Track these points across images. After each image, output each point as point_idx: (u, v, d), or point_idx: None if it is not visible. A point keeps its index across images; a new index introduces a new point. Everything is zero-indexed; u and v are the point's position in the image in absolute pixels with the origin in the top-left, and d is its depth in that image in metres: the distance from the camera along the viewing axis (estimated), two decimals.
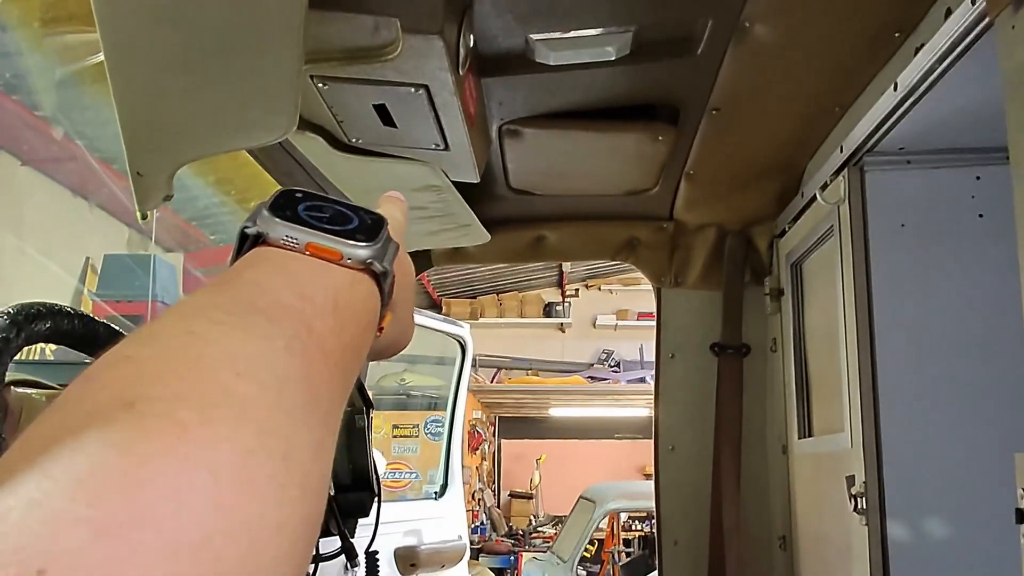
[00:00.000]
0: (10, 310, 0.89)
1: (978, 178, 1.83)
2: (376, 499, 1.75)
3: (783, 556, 2.37)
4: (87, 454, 0.31)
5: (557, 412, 11.88)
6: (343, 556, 1.64)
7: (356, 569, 2.70)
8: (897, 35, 1.62)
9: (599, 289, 12.49)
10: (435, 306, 11.88)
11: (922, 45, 1.51)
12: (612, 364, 12.06)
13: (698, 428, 2.47)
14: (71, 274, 6.49)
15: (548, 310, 12.36)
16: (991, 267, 1.78)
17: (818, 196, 1.95)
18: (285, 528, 0.35)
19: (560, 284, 12.38)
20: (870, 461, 1.73)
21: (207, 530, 0.31)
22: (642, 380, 11.36)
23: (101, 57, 1.21)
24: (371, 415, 1.82)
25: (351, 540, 1.65)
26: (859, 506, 1.74)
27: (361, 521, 1.77)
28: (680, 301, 2.54)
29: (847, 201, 1.85)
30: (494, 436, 12.71)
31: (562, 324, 12.36)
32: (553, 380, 11.55)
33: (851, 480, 1.78)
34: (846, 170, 1.87)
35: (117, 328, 1.06)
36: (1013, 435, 1.65)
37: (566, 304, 12.40)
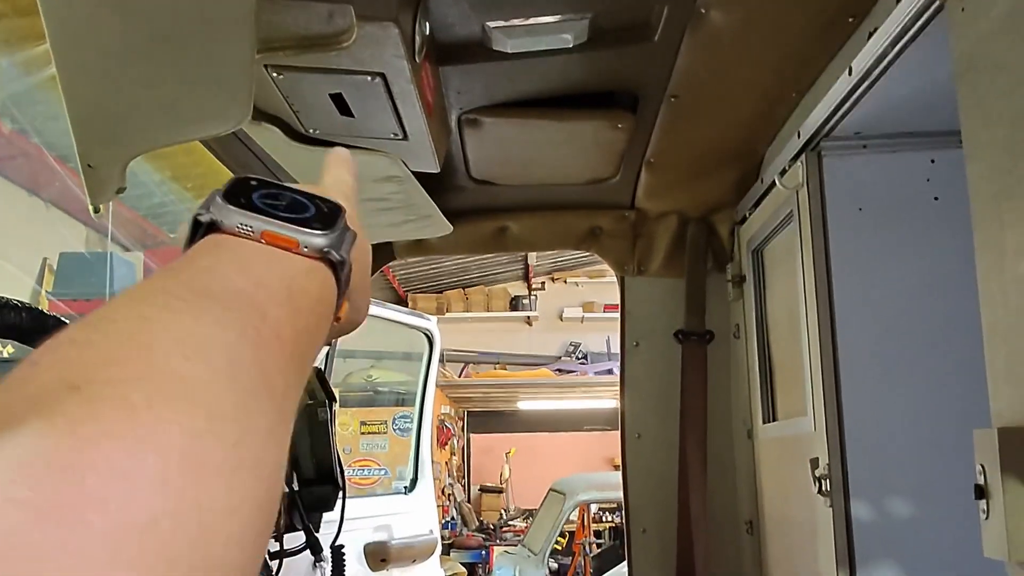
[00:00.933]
0: None
1: (932, 161, 1.85)
2: (341, 493, 1.74)
3: (750, 540, 2.39)
4: (30, 435, 0.30)
5: (526, 405, 11.90)
6: (308, 551, 1.63)
7: (324, 564, 2.69)
8: (851, 20, 1.63)
9: (565, 282, 12.52)
10: (401, 301, 11.83)
11: (875, 29, 1.52)
12: (579, 356, 12.09)
13: (664, 416, 2.48)
14: (28, 275, 6.37)
15: (515, 303, 12.36)
16: (947, 249, 1.80)
17: (777, 182, 1.96)
18: (237, 513, 0.34)
19: (526, 277, 12.39)
20: (833, 443, 1.75)
21: (154, 512, 0.30)
22: (609, 372, 11.41)
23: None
24: (334, 408, 1.81)
25: (316, 535, 1.64)
26: (823, 488, 1.75)
27: (327, 516, 1.76)
28: (643, 289, 2.55)
29: (805, 186, 1.87)
30: (463, 431, 12.70)
31: (529, 317, 12.37)
32: (521, 374, 11.56)
33: (815, 463, 1.79)
34: (804, 155, 1.88)
35: (66, 320, 1.04)
36: (972, 414, 1.66)
37: (532, 297, 12.41)
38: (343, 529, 1.90)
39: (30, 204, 6.83)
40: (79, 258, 4.65)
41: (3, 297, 0.94)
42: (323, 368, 3.13)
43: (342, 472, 1.73)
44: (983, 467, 1.06)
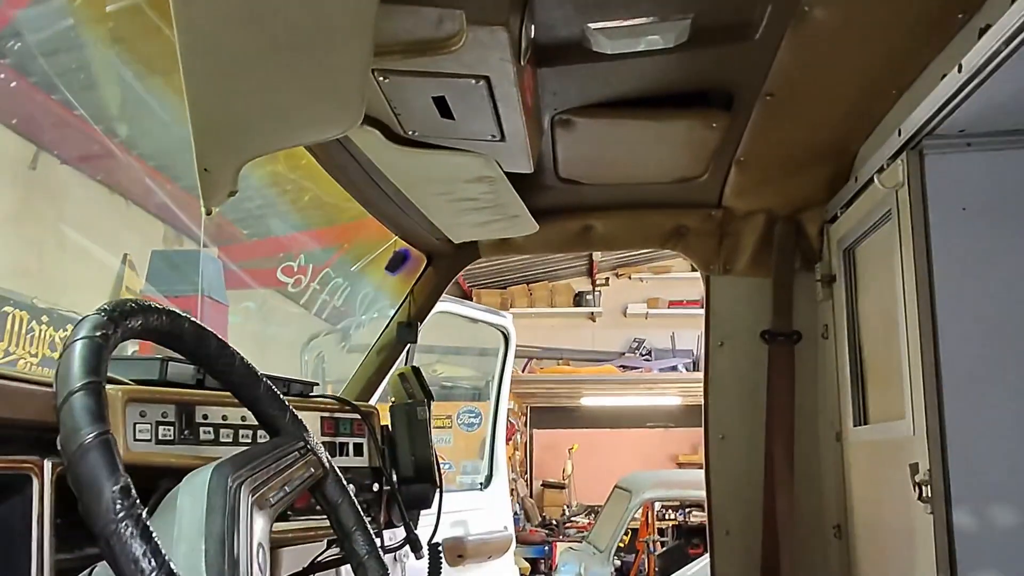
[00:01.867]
0: (107, 307, 0.91)
1: None
2: (439, 491, 1.77)
3: (838, 545, 2.35)
4: None
5: (589, 401, 11.88)
6: (407, 547, 1.66)
7: (406, 560, 2.73)
8: (960, 16, 1.60)
9: (629, 278, 12.43)
10: (466, 296, 11.90)
11: (987, 26, 1.48)
12: (643, 353, 12.02)
13: (748, 416, 2.46)
14: (110, 271, 6.57)
15: (578, 299, 12.32)
16: None
17: (875, 180, 1.93)
18: None
19: (590, 273, 12.35)
20: (934, 448, 1.71)
21: None
22: (674, 368, 11.32)
23: (157, 54, 1.22)
24: (431, 407, 1.84)
25: (415, 532, 1.67)
26: (923, 494, 1.72)
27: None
28: (729, 288, 2.53)
29: (906, 185, 1.83)
30: (526, 426, 12.73)
31: (592, 313, 12.32)
32: (585, 369, 11.54)
33: (915, 468, 1.76)
34: (904, 154, 1.85)
35: (202, 325, 1.07)
36: None
37: (596, 293, 12.36)
38: (421, 524, 1.92)
39: (110, 201, 7.03)
40: (169, 255, 4.79)
41: (147, 301, 0.97)
42: (404, 363, 3.17)
43: (440, 470, 1.76)
44: None
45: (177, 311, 1.03)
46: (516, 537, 10.74)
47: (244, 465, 1.04)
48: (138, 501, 0.76)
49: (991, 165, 1.80)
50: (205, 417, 1.40)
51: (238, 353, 1.12)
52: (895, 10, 1.61)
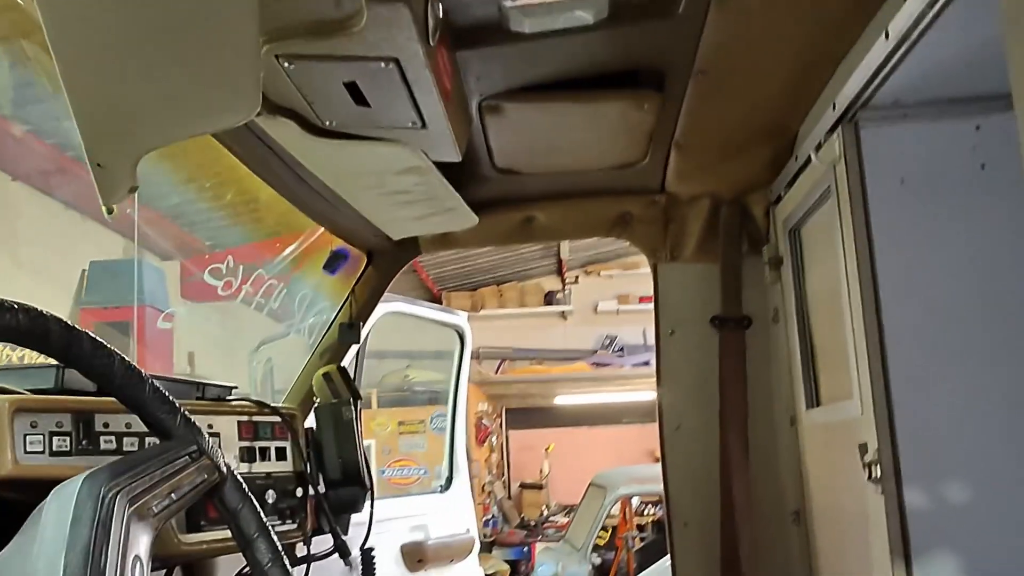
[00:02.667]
0: None
1: (978, 128, 1.75)
2: (369, 494, 1.70)
3: (797, 531, 2.30)
4: None
5: (563, 400, 11.82)
6: (336, 554, 1.59)
7: (353, 567, 2.64)
8: None
9: (599, 275, 12.40)
10: (435, 299, 11.81)
11: None
12: (616, 349, 11.99)
13: (703, 405, 2.41)
14: (68, 286, 6.43)
15: (549, 298, 12.27)
16: (995, 219, 1.71)
17: (812, 157, 1.88)
18: None
19: (559, 272, 12.31)
20: (882, 427, 1.67)
21: None
22: (646, 363, 11.28)
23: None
24: (359, 406, 1.77)
25: (343, 538, 1.60)
26: (873, 475, 1.67)
27: (357, 518, 1.72)
28: (677, 275, 2.48)
29: (843, 160, 1.79)
30: (501, 428, 12.66)
31: (564, 312, 12.28)
32: (557, 368, 11.49)
33: (863, 448, 1.71)
34: (840, 127, 1.80)
35: (71, 324, 1.00)
36: None
37: (567, 291, 12.32)
38: (376, 531, 1.86)
39: (67, 217, 6.90)
40: (108, 266, 4.68)
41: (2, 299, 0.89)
42: (354, 366, 3.10)
43: (370, 472, 1.69)
44: None
45: (40, 310, 0.95)
46: (495, 539, 10.66)
47: (123, 472, 0.96)
48: None
49: (928, 135, 1.76)
50: (106, 425, 1.32)
51: (117, 353, 1.04)
52: None
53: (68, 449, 1.27)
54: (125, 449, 1.34)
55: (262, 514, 1.11)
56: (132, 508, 0.94)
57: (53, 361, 1.41)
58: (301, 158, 1.89)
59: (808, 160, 1.99)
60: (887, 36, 1.51)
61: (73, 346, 0.99)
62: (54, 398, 1.29)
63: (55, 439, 1.26)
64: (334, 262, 2.46)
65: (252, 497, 1.12)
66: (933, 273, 1.73)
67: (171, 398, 1.09)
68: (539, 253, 11.38)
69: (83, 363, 1.01)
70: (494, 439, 12.00)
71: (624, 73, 1.86)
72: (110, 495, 0.92)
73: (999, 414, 1.63)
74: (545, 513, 11.66)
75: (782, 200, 2.26)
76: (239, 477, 1.14)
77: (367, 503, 1.70)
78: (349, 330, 2.43)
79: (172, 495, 1.01)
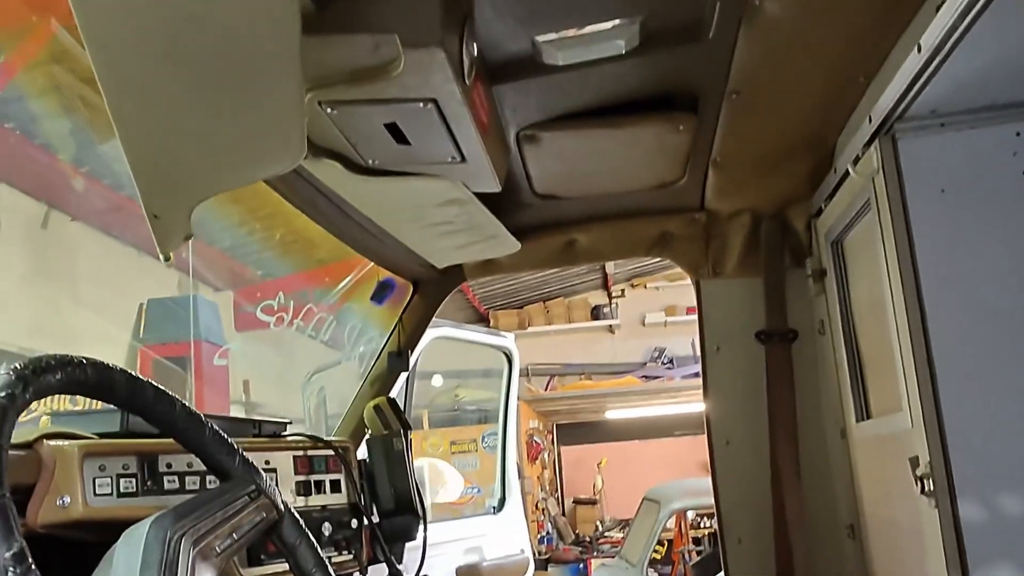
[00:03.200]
0: (17, 365, 0.88)
1: (1018, 134, 1.74)
2: (422, 522, 1.73)
3: (852, 545, 2.28)
4: None
5: (614, 414, 11.78)
6: None
7: None
8: None
9: (645, 287, 12.37)
10: (483, 319, 11.87)
11: (943, 2, 1.44)
12: (665, 361, 11.93)
13: (751, 420, 2.40)
14: (127, 323, 6.60)
15: (596, 313, 12.27)
16: None
17: (850, 170, 1.88)
18: None
19: (605, 286, 12.29)
20: (933, 440, 1.66)
21: None
22: (696, 375, 11.18)
23: None
24: (409, 437, 1.81)
25: (398, 566, 1.63)
26: (926, 488, 1.66)
27: (411, 545, 1.76)
28: (720, 291, 2.48)
29: (881, 172, 1.78)
30: (553, 444, 12.65)
31: (611, 326, 12.26)
32: (607, 383, 11.46)
33: (915, 461, 1.70)
34: (877, 139, 1.80)
35: (134, 374, 1.05)
36: None
37: (613, 305, 12.30)
38: (431, 554, 1.89)
39: (124, 254, 7.10)
40: (165, 303, 4.82)
41: (68, 355, 0.95)
42: (404, 392, 3.14)
43: (422, 500, 1.73)
44: None
45: (105, 363, 1.01)
46: (550, 557, 10.63)
47: (187, 515, 1.01)
48: (33, 566, 0.73)
49: (967, 144, 1.75)
50: (169, 466, 1.38)
51: (178, 400, 1.10)
52: None
53: (134, 490, 1.33)
54: (188, 488, 1.39)
55: (319, 549, 1.15)
56: (196, 549, 0.98)
57: None
58: (346, 195, 1.94)
59: (847, 173, 1.99)
60: (919, 49, 1.52)
61: (137, 395, 1.04)
62: (120, 442, 1.35)
63: (122, 481, 1.31)
64: (381, 292, 2.51)
65: (309, 533, 1.16)
66: (977, 282, 1.71)
67: (229, 440, 1.14)
68: (584, 268, 11.39)
69: (147, 410, 1.06)
70: (546, 456, 11.99)
71: (658, 97, 1.88)
72: (175, 537, 0.96)
73: None
74: (600, 528, 11.61)
75: (823, 212, 2.26)
76: (296, 514, 1.18)
77: (420, 531, 1.73)
78: (398, 358, 2.48)
79: (233, 535, 1.05)
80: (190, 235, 1.51)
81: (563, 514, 12.01)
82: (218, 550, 1.01)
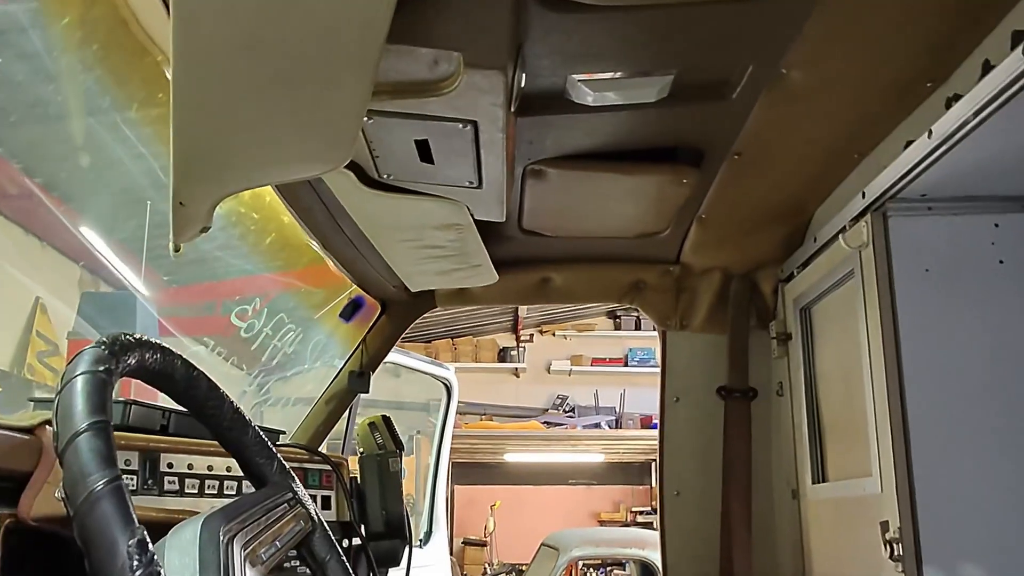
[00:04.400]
0: (105, 340, 0.84)
1: (997, 225, 1.86)
2: (408, 548, 1.69)
3: None
4: None
5: (512, 457, 11.75)
6: None
7: None
8: (928, 84, 1.66)
9: (553, 335, 12.46)
10: None
11: (956, 96, 1.54)
12: (567, 409, 12.00)
13: (704, 472, 2.45)
14: (20, 313, 6.25)
15: (503, 355, 12.26)
16: (1014, 312, 1.81)
17: (840, 240, 1.97)
18: None
19: (515, 329, 12.33)
20: (904, 506, 1.73)
21: None
22: (597, 426, 11.31)
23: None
24: (402, 458, 1.78)
25: None
26: (895, 553, 1.72)
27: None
28: (685, 344, 2.54)
29: (871, 246, 1.87)
30: (448, 482, 12.51)
31: (517, 369, 12.28)
32: (510, 425, 11.44)
33: (885, 526, 1.77)
34: (868, 215, 1.89)
35: (194, 365, 1.01)
36: None
37: (521, 349, 12.33)
38: None
39: (25, 242, 6.75)
40: (100, 298, 4.59)
41: (143, 336, 0.90)
42: (349, 413, 3.08)
43: (410, 526, 1.69)
44: None
45: (170, 348, 0.96)
46: None
47: (234, 518, 0.97)
48: (155, 557, 0.69)
49: (951, 229, 1.86)
50: (170, 466, 1.32)
51: (228, 397, 1.05)
52: (868, 75, 1.66)
53: (135, 488, 1.26)
54: (187, 491, 1.33)
55: (349, 567, 1.12)
56: (245, 553, 0.94)
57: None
58: (347, 206, 1.91)
59: (828, 243, 2.08)
60: (930, 135, 1.61)
61: (192, 388, 1.00)
62: (125, 435, 1.28)
63: (124, 477, 1.24)
64: (350, 310, 2.47)
65: (339, 548, 1.13)
66: (955, 358, 1.81)
67: (269, 445, 1.10)
68: (497, 310, 11.41)
69: (197, 404, 1.02)
70: None
71: (666, 148, 1.93)
72: (226, 539, 0.92)
73: (1017, 497, 1.70)
74: (488, 572, 11.50)
75: (794, 278, 2.35)
76: (327, 527, 1.14)
77: (405, 557, 1.70)
78: (359, 379, 2.44)
79: (276, 542, 1.01)
80: (208, 227, 1.47)
81: (451, 554, 11.86)
82: (263, 557, 0.97)
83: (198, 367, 1.00)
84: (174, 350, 0.97)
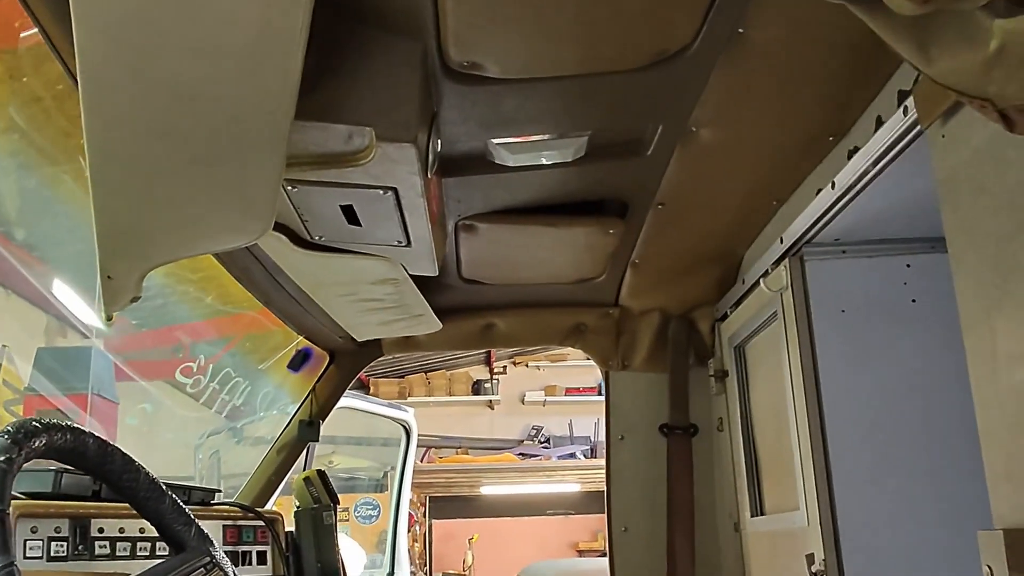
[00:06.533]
0: (10, 428, 0.89)
1: (908, 266, 1.95)
2: None
3: None
4: None
5: (489, 490, 11.73)
6: None
7: None
8: (831, 138, 1.74)
9: (526, 366, 12.49)
10: (363, 387, 11.72)
11: (855, 148, 1.63)
12: (542, 440, 12.02)
13: (650, 508, 2.51)
14: None
15: (476, 387, 12.28)
16: (926, 348, 1.89)
17: (762, 284, 2.05)
18: None
19: (488, 362, 12.36)
20: (828, 538, 1.79)
21: None
22: (572, 455, 11.34)
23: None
24: (336, 511, 1.82)
25: None
26: None
27: None
28: (628, 383, 2.61)
29: (789, 289, 1.95)
30: (424, 516, 12.46)
31: (491, 401, 12.29)
32: (485, 458, 11.44)
33: (811, 558, 1.83)
34: (786, 260, 1.97)
35: (106, 441, 1.06)
36: (961, 509, 1.73)
37: (494, 381, 12.35)
38: None
39: None
40: (56, 352, 4.60)
41: (50, 419, 0.95)
42: (305, 460, 3.11)
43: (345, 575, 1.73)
44: (990, 568, 1.11)
45: (80, 428, 1.02)
46: None
47: None
48: None
49: (864, 270, 1.95)
50: (101, 531, 1.36)
51: (143, 468, 1.10)
52: (773, 132, 1.75)
53: (65, 554, 1.30)
54: (118, 554, 1.37)
55: None
56: None
57: (49, 464, 1.44)
58: (283, 266, 1.97)
59: (754, 285, 2.16)
60: (833, 186, 1.70)
61: (107, 463, 1.05)
62: (55, 503, 1.32)
63: (53, 544, 1.29)
64: (299, 361, 2.51)
65: None
66: (872, 393, 1.89)
67: (187, 511, 1.15)
68: None
69: (113, 477, 1.07)
70: (417, 528, 11.80)
71: (592, 201, 2.01)
72: None
73: (936, 529, 1.77)
74: None
75: (728, 318, 2.42)
76: None
77: None
78: (309, 428, 2.48)
79: None
80: (137, 297, 1.52)
81: None
82: None
83: (111, 443, 1.05)
84: (86, 429, 1.02)
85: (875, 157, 1.54)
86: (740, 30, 1.39)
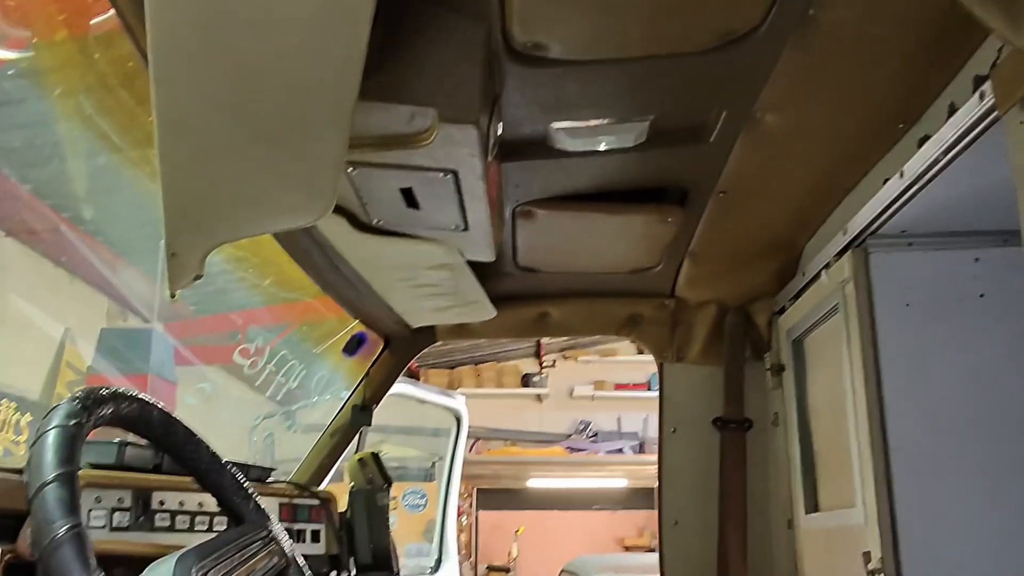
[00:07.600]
0: (79, 394, 0.91)
1: (976, 260, 1.89)
2: None
3: None
4: None
5: (536, 483, 11.75)
6: None
7: None
8: (900, 126, 1.70)
9: (576, 360, 12.47)
10: (413, 375, 11.81)
11: (926, 136, 1.58)
12: (590, 434, 11.99)
13: (702, 502, 2.48)
14: (51, 345, 6.40)
15: (526, 380, 12.28)
16: (995, 345, 1.83)
17: (823, 276, 2.00)
18: None
19: (538, 355, 12.36)
20: (886, 536, 1.75)
21: None
22: (620, 451, 11.30)
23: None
24: (390, 492, 1.83)
25: None
26: None
27: None
28: (682, 376, 2.58)
29: (852, 281, 1.91)
30: (471, 508, 12.52)
31: (540, 394, 12.29)
32: (532, 451, 11.45)
33: (867, 556, 1.79)
34: (850, 251, 1.93)
35: (169, 413, 1.07)
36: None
37: (544, 374, 12.35)
38: None
39: (54, 275, 6.92)
40: (119, 333, 4.72)
41: (118, 388, 0.97)
42: (357, 445, 3.14)
43: (396, 559, 1.74)
44: None
45: (146, 398, 1.03)
46: None
47: (208, 555, 1.03)
48: None
49: (931, 264, 1.89)
50: (162, 503, 1.38)
51: (204, 441, 1.12)
52: (841, 119, 1.71)
53: (127, 525, 1.33)
54: (177, 527, 1.39)
55: None
56: None
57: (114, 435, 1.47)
58: (341, 250, 1.98)
59: (815, 278, 2.12)
60: (902, 175, 1.65)
61: (170, 434, 1.06)
62: (119, 475, 1.35)
63: (116, 514, 1.31)
64: (354, 345, 2.54)
65: None
66: (935, 390, 1.84)
67: (246, 485, 1.16)
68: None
69: (176, 448, 1.08)
70: (464, 519, 11.86)
71: (651, 188, 1.99)
72: (199, 575, 0.98)
73: (998, 529, 1.72)
74: None
75: (786, 311, 2.38)
76: (300, 562, 1.20)
77: None
78: (362, 412, 2.50)
79: None
80: (200, 275, 1.54)
81: None
82: None
83: (175, 417, 1.07)
84: (151, 400, 1.04)
85: (947, 145, 1.50)
86: (811, 11, 1.36)
